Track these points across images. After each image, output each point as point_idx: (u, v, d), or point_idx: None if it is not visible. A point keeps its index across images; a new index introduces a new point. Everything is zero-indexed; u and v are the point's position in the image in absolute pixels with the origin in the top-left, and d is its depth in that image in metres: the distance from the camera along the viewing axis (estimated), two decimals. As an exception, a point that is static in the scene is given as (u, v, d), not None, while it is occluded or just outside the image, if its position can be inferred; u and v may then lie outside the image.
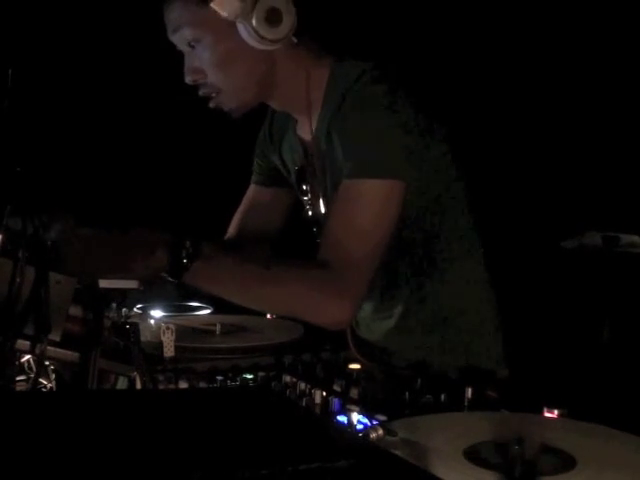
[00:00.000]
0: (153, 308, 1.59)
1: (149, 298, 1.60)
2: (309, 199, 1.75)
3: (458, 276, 1.66)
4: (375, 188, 1.50)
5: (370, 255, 1.50)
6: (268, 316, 1.71)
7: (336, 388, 1.24)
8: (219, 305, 1.69)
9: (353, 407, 1.16)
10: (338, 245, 1.49)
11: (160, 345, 1.40)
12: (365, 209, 1.50)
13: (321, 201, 1.70)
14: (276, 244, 1.92)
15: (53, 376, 1.30)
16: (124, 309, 1.52)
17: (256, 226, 1.89)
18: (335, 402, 1.20)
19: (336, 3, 1.85)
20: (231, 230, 1.92)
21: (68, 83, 2.78)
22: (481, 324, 1.68)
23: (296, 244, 1.66)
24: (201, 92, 1.60)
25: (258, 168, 1.90)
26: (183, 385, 1.29)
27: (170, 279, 1.41)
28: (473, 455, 0.95)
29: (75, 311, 1.33)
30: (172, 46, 1.60)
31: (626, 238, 2.93)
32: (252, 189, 1.92)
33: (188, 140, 2.91)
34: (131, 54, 2.73)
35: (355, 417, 1.13)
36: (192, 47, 1.55)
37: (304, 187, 1.74)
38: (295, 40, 1.53)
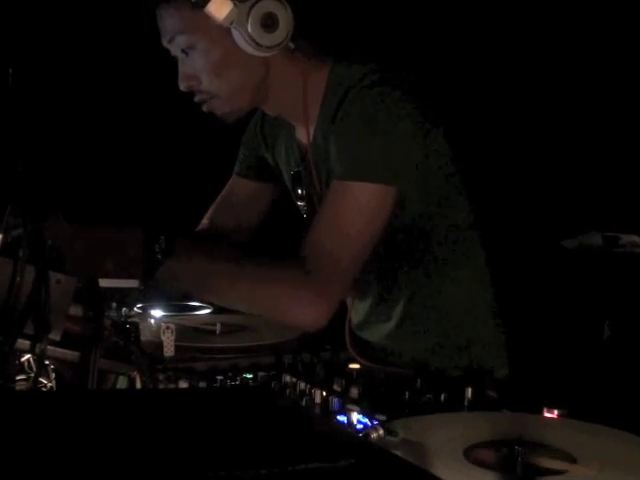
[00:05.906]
0: (153, 307, 1.59)
1: (149, 297, 1.60)
2: (305, 204, 1.73)
3: (458, 278, 1.65)
4: (365, 191, 1.48)
5: (352, 258, 1.49)
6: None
7: (336, 388, 1.24)
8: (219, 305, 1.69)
9: (353, 407, 1.16)
10: (321, 245, 1.48)
11: (160, 345, 1.40)
12: (352, 211, 1.48)
13: (317, 206, 1.68)
14: (254, 242, 1.89)
15: (53, 376, 1.29)
16: (124, 308, 1.52)
17: (230, 220, 1.86)
18: (335, 402, 1.20)
19: (334, 6, 1.83)
20: (204, 221, 1.88)
21: (68, 83, 2.78)
22: (481, 324, 1.67)
23: (292, 248, 1.66)
24: (196, 98, 1.58)
25: (243, 158, 1.86)
26: (183, 385, 1.29)
27: (142, 279, 1.41)
28: (473, 455, 0.95)
29: (75, 311, 1.32)
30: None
31: (626, 238, 2.92)
32: (233, 180, 1.88)
33: (183, 138, 2.91)
34: (128, 54, 2.73)
35: (355, 417, 1.13)
36: (186, 54, 1.54)
37: (299, 192, 1.73)
38: (292, 45, 1.51)
